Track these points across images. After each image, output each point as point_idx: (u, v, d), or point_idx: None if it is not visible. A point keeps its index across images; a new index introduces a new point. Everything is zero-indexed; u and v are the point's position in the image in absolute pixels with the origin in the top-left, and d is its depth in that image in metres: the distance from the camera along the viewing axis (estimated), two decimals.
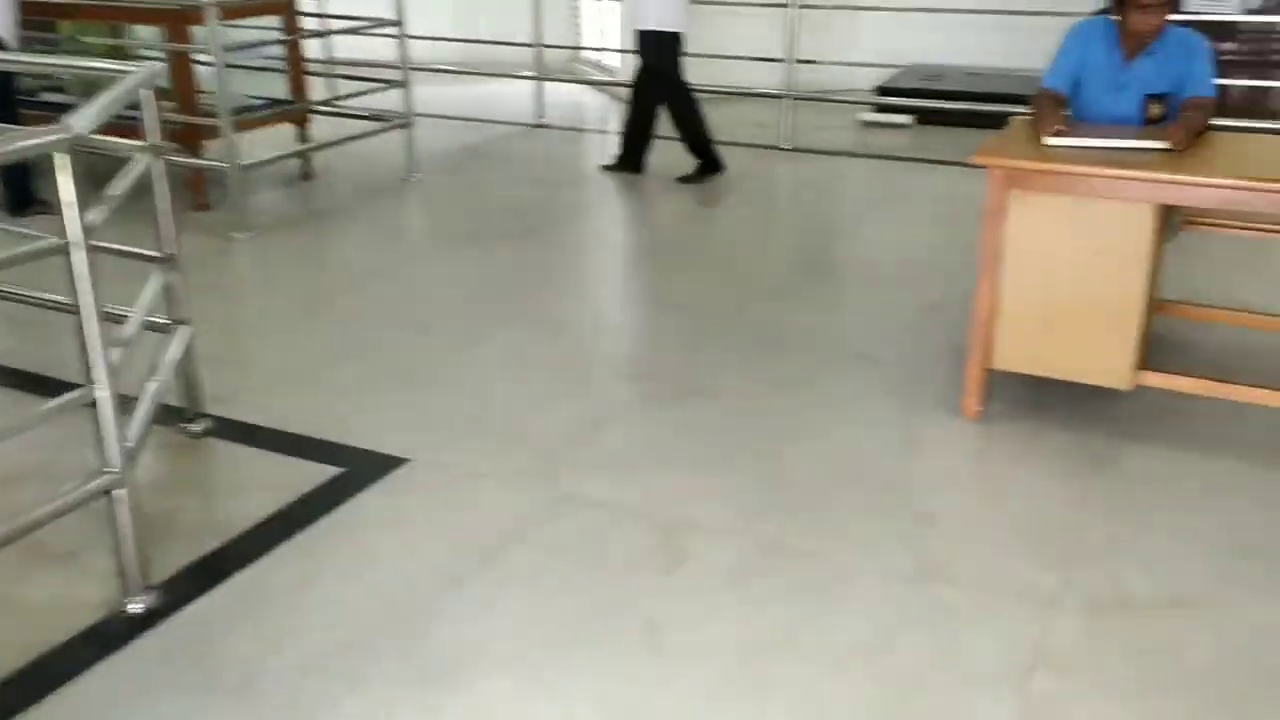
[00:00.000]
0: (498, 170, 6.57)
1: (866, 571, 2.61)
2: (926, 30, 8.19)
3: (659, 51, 5.96)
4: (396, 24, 6.14)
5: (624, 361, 3.83)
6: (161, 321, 3.24)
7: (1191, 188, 2.87)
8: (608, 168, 6.46)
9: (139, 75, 2.96)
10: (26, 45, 5.56)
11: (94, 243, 2.37)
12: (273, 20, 6.06)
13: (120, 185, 2.90)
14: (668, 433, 3.31)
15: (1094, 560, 2.64)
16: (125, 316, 2.96)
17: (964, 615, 2.45)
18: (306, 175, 6.30)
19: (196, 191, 5.62)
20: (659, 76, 6.00)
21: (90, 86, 6.00)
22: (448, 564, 2.65)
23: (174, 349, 3.19)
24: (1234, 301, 3.97)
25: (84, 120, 2.40)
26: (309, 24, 7.39)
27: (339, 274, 4.75)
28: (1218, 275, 4.35)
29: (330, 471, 3.09)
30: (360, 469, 3.10)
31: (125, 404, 2.76)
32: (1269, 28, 7.48)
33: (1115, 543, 2.72)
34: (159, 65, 3.02)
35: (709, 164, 6.18)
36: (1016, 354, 3.21)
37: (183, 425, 3.33)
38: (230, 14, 5.50)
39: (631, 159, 6.36)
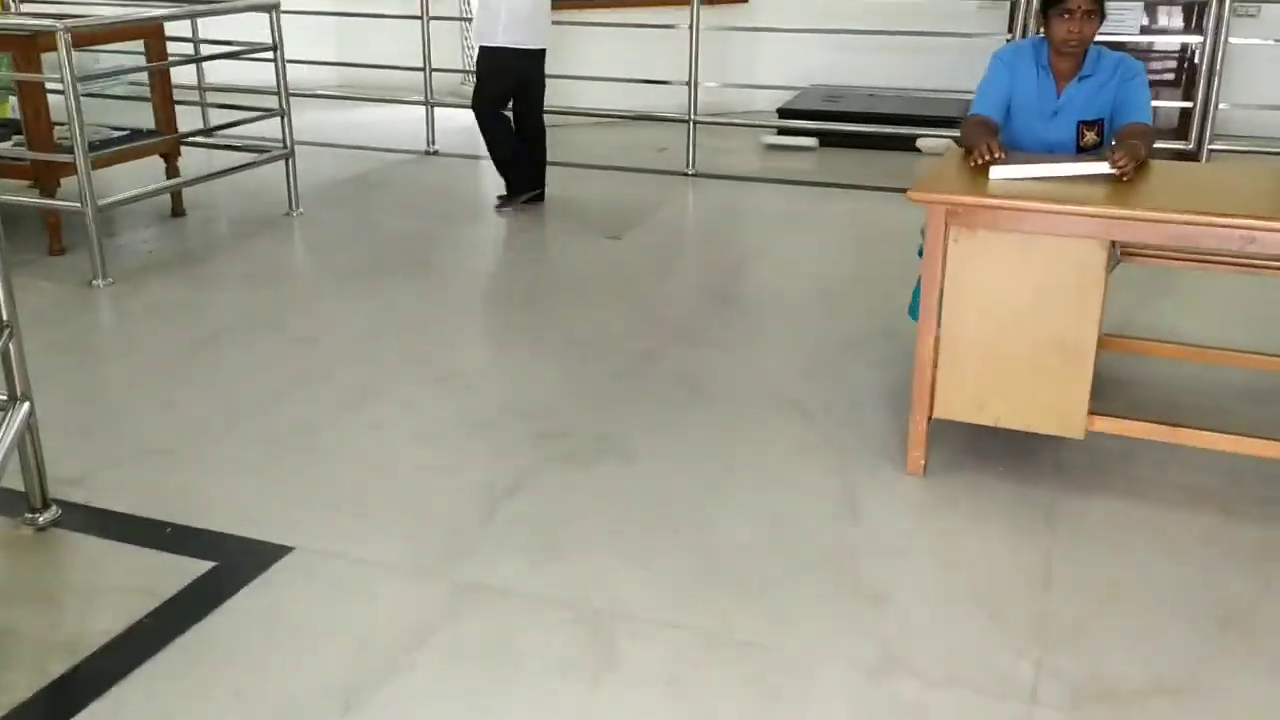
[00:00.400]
0: (388, 202, 6.16)
1: (822, 665, 2.32)
2: (824, 50, 8.05)
3: (489, 67, 5.68)
4: (274, 48, 5.71)
5: (532, 416, 3.49)
6: None
7: (1148, 224, 2.66)
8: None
9: None
10: None
11: None
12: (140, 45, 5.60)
13: None
14: (585, 502, 2.98)
15: (1069, 639, 2.39)
16: None
17: (937, 716, 2.17)
18: (177, 212, 5.81)
19: (53, 235, 5.10)
20: (481, 92, 5.75)
21: None
22: (339, 680, 2.27)
23: (12, 430, 2.75)
24: (1166, 332, 3.82)
25: None
26: (182, 48, 6.91)
27: (212, 324, 4.30)
28: (1144, 304, 4.22)
29: (201, 567, 2.68)
30: (235, 563, 2.70)
31: None
32: (1164, 49, 7.55)
33: (1089, 616, 2.47)
34: None
35: (520, 185, 5.91)
36: (962, 403, 2.97)
37: (26, 517, 2.88)
38: (87, 40, 5.02)
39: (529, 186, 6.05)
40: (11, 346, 2.78)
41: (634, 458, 3.22)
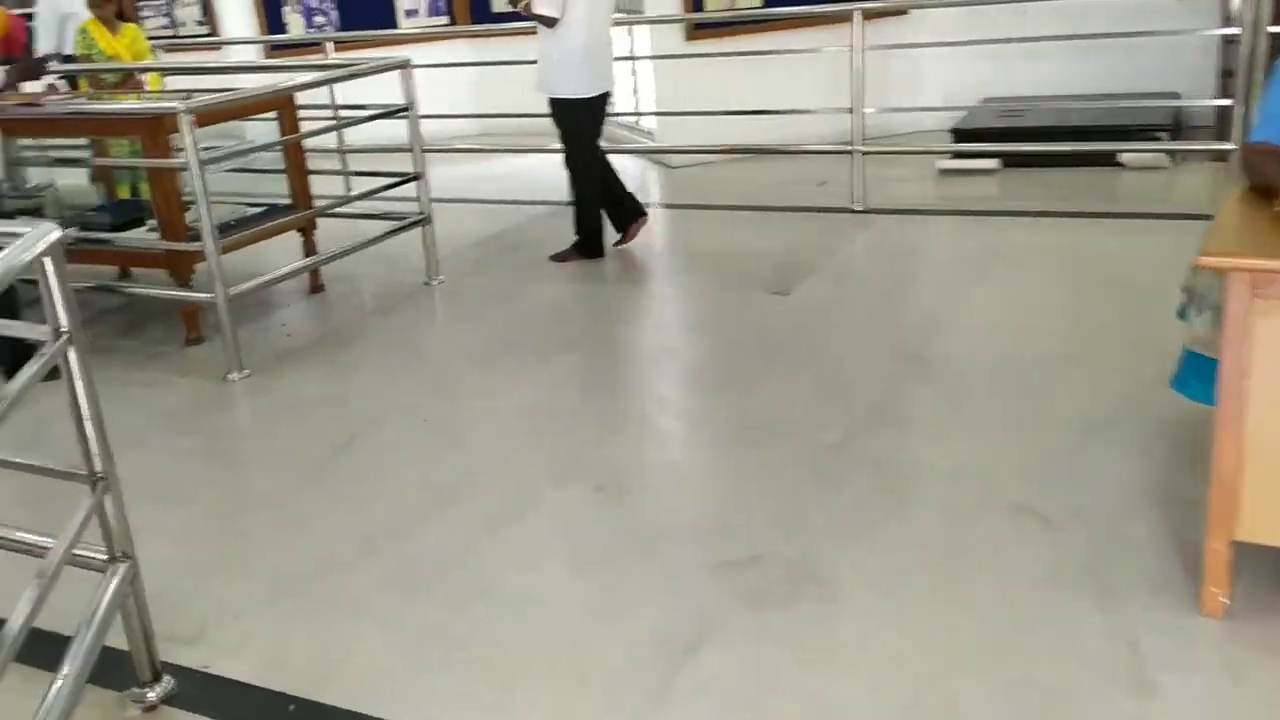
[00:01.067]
0: (530, 263, 5.71)
1: None
2: (996, 60, 7.30)
3: (565, 119, 5.47)
4: (407, 109, 5.37)
5: (709, 536, 2.92)
6: (96, 558, 2.41)
7: None
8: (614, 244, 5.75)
9: (24, 242, 2.14)
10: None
11: None
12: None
13: (21, 379, 2.09)
14: (784, 660, 2.39)
15: None
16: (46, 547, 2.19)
17: None
18: (316, 288, 5.52)
19: (189, 323, 4.84)
20: (568, 145, 5.56)
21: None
22: None
23: (106, 595, 2.35)
24: None
25: None
26: (318, 112, 6.68)
27: (350, 422, 3.91)
28: None
29: None
30: None
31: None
32: None
33: None
34: (54, 228, 2.19)
35: (587, 246, 5.63)
36: (1275, 523, 2.27)
37: (134, 692, 2.47)
38: (212, 119, 4.74)
39: (619, 225, 5.74)
40: (108, 501, 2.38)
41: (837, 594, 2.62)
